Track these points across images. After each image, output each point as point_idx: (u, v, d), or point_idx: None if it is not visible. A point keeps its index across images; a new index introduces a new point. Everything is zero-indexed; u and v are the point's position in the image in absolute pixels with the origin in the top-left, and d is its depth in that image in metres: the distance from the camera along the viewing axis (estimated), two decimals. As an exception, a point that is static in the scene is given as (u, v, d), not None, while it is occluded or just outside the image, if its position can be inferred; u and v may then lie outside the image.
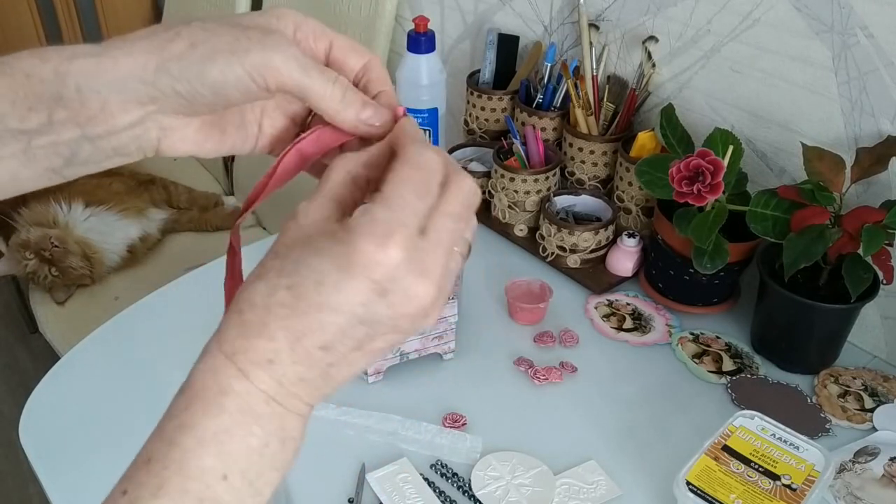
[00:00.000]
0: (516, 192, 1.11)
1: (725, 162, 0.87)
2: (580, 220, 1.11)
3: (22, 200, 1.61)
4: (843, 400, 0.90)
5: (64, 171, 0.41)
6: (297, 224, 0.37)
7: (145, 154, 0.42)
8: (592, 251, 1.06)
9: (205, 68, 0.38)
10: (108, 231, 1.63)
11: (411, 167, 0.37)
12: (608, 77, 1.14)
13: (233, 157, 1.87)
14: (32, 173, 0.41)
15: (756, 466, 0.75)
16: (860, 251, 0.82)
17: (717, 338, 0.99)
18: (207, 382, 0.36)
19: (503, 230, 1.15)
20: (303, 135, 0.43)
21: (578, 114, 1.11)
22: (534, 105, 1.18)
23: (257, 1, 1.76)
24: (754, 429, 0.79)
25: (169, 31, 0.39)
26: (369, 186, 0.40)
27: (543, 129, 1.16)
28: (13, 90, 0.39)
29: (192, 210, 1.81)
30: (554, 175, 1.11)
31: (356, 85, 0.44)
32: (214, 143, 0.44)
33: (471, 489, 0.80)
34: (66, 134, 0.40)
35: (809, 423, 0.87)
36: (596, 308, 1.04)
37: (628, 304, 1.04)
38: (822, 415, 0.88)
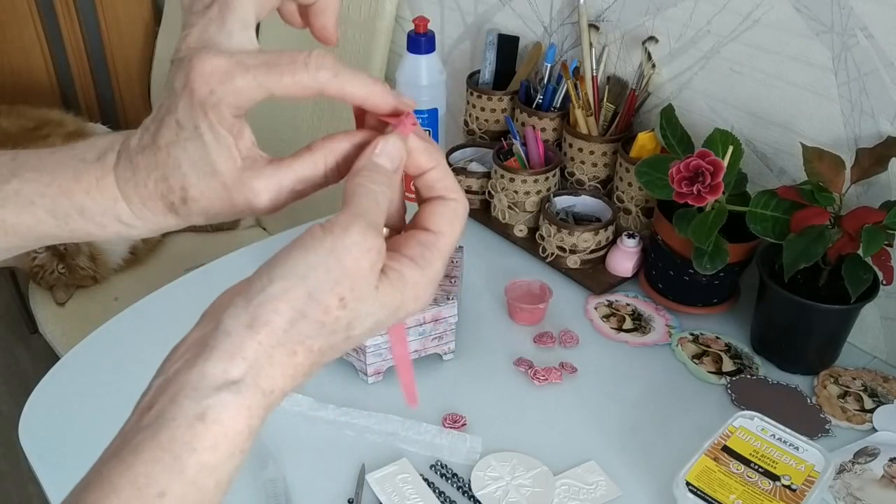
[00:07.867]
0: (516, 192, 1.11)
1: (725, 162, 0.87)
2: (580, 220, 1.11)
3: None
4: (842, 400, 0.90)
5: None
6: (354, 262, 0.38)
7: None
8: (592, 251, 1.06)
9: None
10: (110, 231, 1.64)
11: (451, 243, 0.42)
12: (608, 77, 1.14)
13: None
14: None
15: (756, 467, 0.75)
16: (860, 252, 0.82)
17: (717, 338, 0.99)
18: (239, 425, 0.35)
19: (503, 230, 1.15)
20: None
21: (578, 114, 1.11)
22: (534, 105, 1.18)
23: None
24: (754, 429, 0.79)
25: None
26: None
27: (543, 130, 1.16)
28: None
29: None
30: (554, 175, 1.11)
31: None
32: None
33: (471, 490, 0.80)
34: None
35: (809, 423, 0.87)
36: (596, 308, 1.04)
37: (628, 304, 1.04)
38: (822, 415, 0.88)
